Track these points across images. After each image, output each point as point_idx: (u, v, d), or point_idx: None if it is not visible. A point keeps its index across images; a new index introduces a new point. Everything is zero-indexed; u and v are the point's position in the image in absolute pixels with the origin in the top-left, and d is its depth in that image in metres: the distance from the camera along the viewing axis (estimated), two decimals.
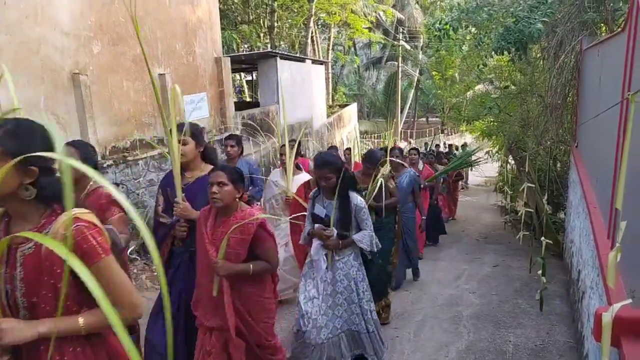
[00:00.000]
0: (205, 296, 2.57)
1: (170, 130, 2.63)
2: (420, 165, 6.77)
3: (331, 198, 3.14)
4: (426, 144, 10.26)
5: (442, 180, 8.02)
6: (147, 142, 6.01)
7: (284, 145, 4.47)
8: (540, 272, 4.48)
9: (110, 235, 2.34)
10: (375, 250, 3.22)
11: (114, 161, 5.68)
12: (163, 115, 2.61)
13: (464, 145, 16.71)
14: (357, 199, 3.13)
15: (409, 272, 5.54)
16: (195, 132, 2.86)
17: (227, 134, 8.36)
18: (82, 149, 2.71)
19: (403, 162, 5.27)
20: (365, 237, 3.16)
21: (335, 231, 3.10)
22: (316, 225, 3.18)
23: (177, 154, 2.69)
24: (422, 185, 6.27)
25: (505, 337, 3.95)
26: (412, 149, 7.12)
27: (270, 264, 2.59)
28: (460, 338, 3.96)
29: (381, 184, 3.92)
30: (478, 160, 9.24)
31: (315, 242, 3.18)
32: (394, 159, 4.93)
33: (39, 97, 4.82)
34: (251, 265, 2.52)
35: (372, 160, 4.08)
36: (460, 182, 11.40)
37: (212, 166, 2.88)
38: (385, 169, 4.20)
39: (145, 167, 6.18)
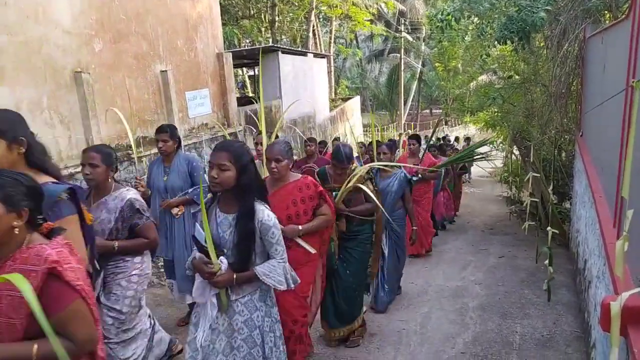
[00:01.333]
0: None
1: None
2: (420, 154, 6.28)
3: (230, 211, 2.23)
4: (438, 138, 9.80)
5: (445, 173, 7.76)
6: (150, 139, 6.02)
7: (259, 133, 3.93)
8: (546, 262, 4.47)
9: None
10: (293, 286, 2.33)
11: (118, 159, 5.69)
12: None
13: (468, 139, 16.63)
14: (263, 213, 2.20)
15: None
16: (3, 123, 1.83)
17: (230, 129, 8.37)
18: None
19: (391, 162, 4.52)
20: (275, 270, 2.23)
21: (224, 263, 2.15)
22: (197, 255, 2.20)
23: None
24: (420, 176, 5.90)
25: (512, 328, 3.95)
26: (411, 136, 6.31)
27: (73, 342, 1.47)
28: (467, 329, 3.96)
29: (356, 187, 3.38)
30: (484, 155, 8.86)
31: (199, 279, 2.23)
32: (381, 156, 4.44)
33: (41, 96, 4.84)
34: (35, 348, 1.42)
35: (337, 157, 3.44)
36: (463, 176, 11.31)
37: (47, 176, 1.94)
38: (363, 170, 3.51)
39: (149, 164, 6.17)
